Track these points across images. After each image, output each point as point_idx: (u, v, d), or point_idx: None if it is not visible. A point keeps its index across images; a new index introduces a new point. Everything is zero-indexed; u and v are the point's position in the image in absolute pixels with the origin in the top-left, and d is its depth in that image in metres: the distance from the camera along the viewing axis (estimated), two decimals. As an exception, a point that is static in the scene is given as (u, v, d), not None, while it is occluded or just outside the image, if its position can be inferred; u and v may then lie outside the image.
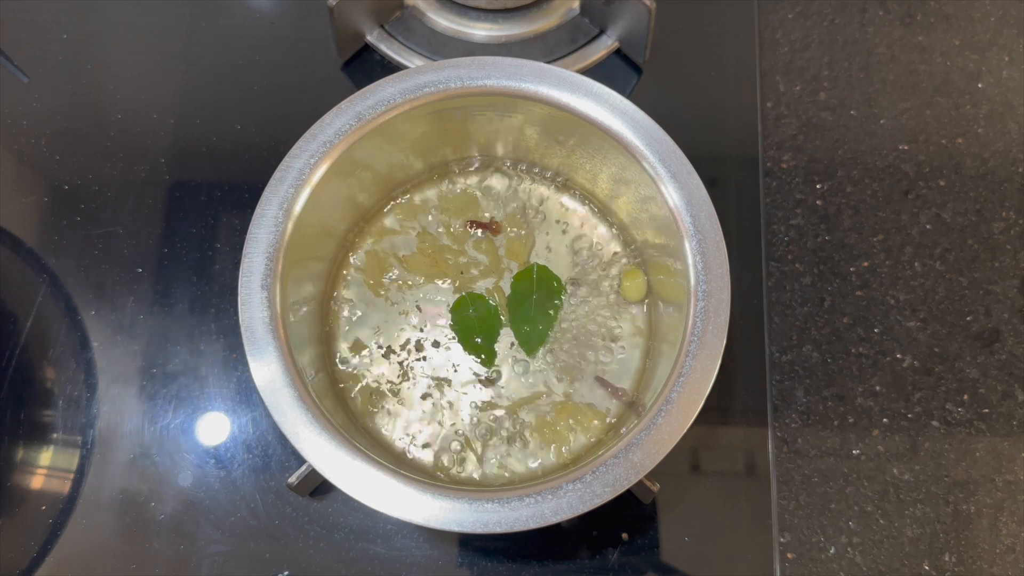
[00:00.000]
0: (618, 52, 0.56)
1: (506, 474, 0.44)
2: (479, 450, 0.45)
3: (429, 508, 0.37)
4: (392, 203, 0.49)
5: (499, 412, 0.46)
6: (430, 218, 0.49)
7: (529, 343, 0.46)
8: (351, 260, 0.48)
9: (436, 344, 0.47)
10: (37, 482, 0.48)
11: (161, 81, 0.56)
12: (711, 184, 0.42)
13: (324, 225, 0.45)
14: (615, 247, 0.49)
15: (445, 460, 0.45)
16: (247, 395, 0.49)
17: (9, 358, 0.49)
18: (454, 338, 0.47)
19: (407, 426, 0.45)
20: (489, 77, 0.43)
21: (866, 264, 0.53)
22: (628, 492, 0.37)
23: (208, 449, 0.48)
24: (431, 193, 0.49)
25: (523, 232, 0.49)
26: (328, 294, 0.47)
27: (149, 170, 0.54)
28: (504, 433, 0.45)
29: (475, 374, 0.46)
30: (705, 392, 0.39)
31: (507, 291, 0.47)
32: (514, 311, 0.47)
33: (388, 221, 0.49)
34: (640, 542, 0.47)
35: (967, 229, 0.53)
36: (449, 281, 0.48)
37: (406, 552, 0.46)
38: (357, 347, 0.46)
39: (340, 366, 0.46)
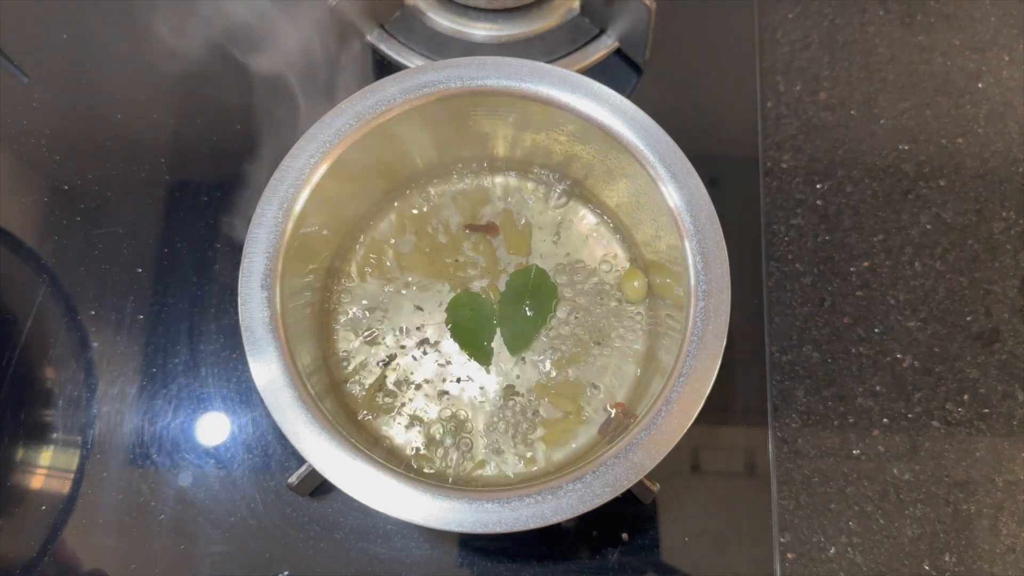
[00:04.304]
0: (618, 52, 0.56)
1: (507, 472, 0.44)
2: (479, 448, 0.45)
3: (429, 508, 0.37)
4: (390, 202, 0.49)
5: (498, 409, 0.45)
6: (429, 217, 0.49)
7: (515, 343, 0.46)
8: (350, 259, 0.48)
9: (435, 343, 0.47)
10: (37, 482, 0.48)
11: (161, 81, 0.56)
12: (711, 184, 0.42)
13: (323, 225, 0.45)
14: (615, 247, 0.49)
15: (444, 458, 0.45)
16: (247, 395, 0.49)
17: (9, 358, 0.49)
18: (451, 337, 0.47)
19: (406, 425, 0.45)
20: (489, 77, 0.43)
21: (866, 264, 0.53)
22: (628, 492, 0.37)
23: (208, 449, 0.48)
24: (429, 192, 0.49)
25: (522, 230, 0.49)
26: (327, 293, 0.47)
27: (149, 170, 0.54)
28: (504, 431, 0.45)
29: (473, 372, 0.46)
30: (705, 392, 0.39)
31: (503, 290, 0.47)
32: (505, 310, 0.47)
33: (386, 220, 0.49)
34: (640, 542, 0.47)
35: (967, 229, 0.53)
36: (446, 280, 0.48)
37: (406, 552, 0.46)
38: (356, 346, 0.46)
39: (339, 365, 0.46)
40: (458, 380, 0.46)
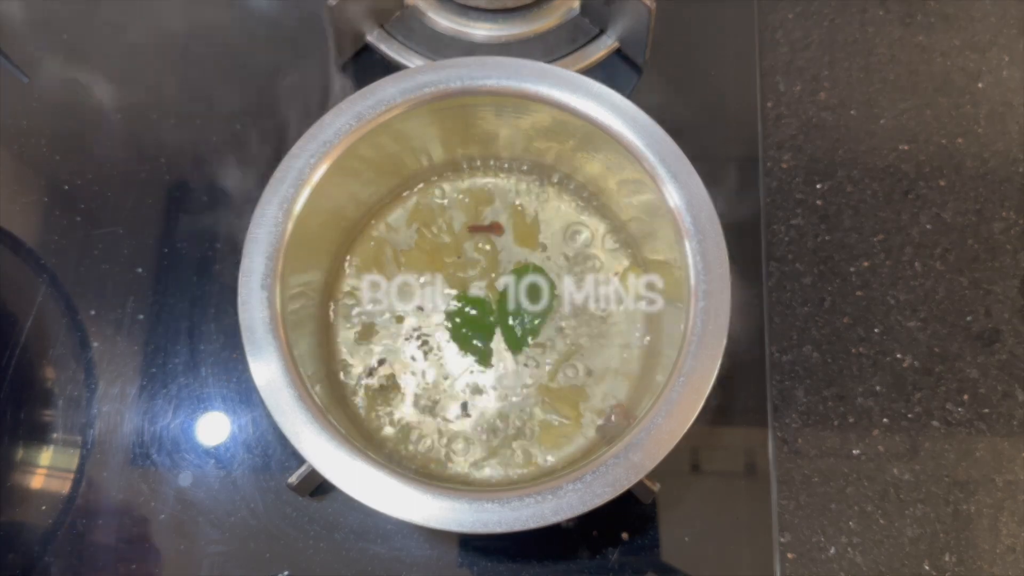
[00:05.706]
0: (618, 52, 0.56)
1: (507, 472, 0.44)
2: (479, 448, 0.45)
3: (429, 508, 0.37)
4: (391, 202, 0.49)
5: (498, 409, 0.45)
6: (429, 217, 0.49)
7: (514, 342, 0.46)
8: (350, 259, 0.48)
9: (434, 342, 0.47)
10: (37, 482, 0.48)
11: (161, 81, 0.56)
12: (711, 184, 0.42)
13: (323, 225, 0.45)
14: (615, 246, 0.49)
15: (444, 459, 0.45)
16: (247, 395, 0.49)
17: (9, 358, 0.49)
18: (450, 337, 0.47)
19: (406, 425, 0.45)
20: (489, 77, 0.43)
21: (866, 264, 0.53)
22: (628, 492, 0.37)
23: (208, 449, 0.48)
24: (430, 192, 0.49)
25: (530, 225, 0.49)
26: (327, 293, 0.47)
27: (149, 170, 0.53)
28: (503, 430, 0.45)
29: (472, 372, 0.46)
30: (705, 392, 0.39)
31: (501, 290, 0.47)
32: (504, 309, 0.47)
33: (387, 221, 0.49)
34: (640, 542, 0.47)
35: (967, 229, 0.53)
36: (446, 281, 0.48)
37: (406, 552, 0.46)
38: (356, 346, 0.46)
39: (339, 364, 0.46)
40: (457, 380, 0.46)
